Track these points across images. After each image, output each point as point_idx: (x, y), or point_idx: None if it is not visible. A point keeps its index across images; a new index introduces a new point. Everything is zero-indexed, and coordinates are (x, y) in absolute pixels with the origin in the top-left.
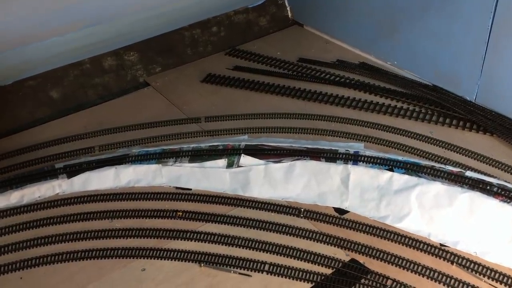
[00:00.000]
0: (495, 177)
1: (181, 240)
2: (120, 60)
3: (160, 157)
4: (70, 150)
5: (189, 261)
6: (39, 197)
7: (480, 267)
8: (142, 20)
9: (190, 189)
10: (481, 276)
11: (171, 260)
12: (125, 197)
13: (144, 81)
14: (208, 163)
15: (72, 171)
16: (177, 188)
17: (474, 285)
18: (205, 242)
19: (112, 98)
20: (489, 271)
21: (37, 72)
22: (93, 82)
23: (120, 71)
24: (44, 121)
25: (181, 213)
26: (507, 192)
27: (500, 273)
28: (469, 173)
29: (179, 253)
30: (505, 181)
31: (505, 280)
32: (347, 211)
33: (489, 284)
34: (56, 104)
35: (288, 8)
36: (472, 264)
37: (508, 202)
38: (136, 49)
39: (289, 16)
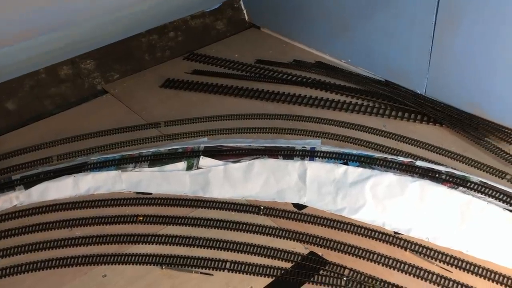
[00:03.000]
0: (443, 165)
1: (142, 244)
2: (76, 69)
3: (120, 163)
4: (27, 161)
5: (150, 264)
6: None
7: (432, 252)
8: (97, 27)
9: (151, 194)
10: (433, 260)
11: (133, 264)
12: (85, 205)
13: (102, 89)
14: (168, 167)
15: (29, 182)
16: (137, 193)
17: (426, 269)
18: (166, 245)
19: (70, 107)
20: (440, 255)
21: None
22: (50, 92)
23: (77, 79)
24: (0, 133)
25: (141, 218)
26: (455, 179)
27: (451, 256)
28: (419, 163)
29: (140, 257)
30: (453, 169)
31: (455, 263)
32: (305, 206)
33: (441, 267)
34: (12, 115)
35: (245, 11)
36: (425, 249)
37: (456, 188)
38: (92, 57)
39: (246, 19)
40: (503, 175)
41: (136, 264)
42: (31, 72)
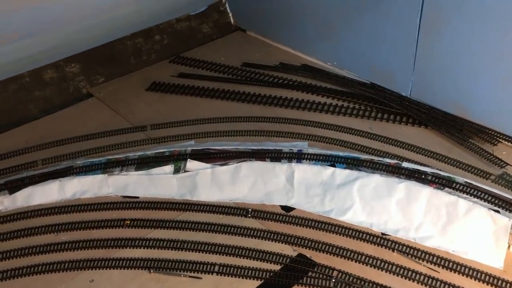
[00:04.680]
0: (429, 166)
1: (129, 248)
2: (61, 72)
3: (106, 167)
4: (11, 166)
5: (138, 269)
6: None
7: (419, 252)
8: (81, 30)
9: (138, 197)
10: (420, 261)
11: (120, 268)
12: (71, 210)
13: (88, 92)
14: (155, 170)
15: (14, 187)
16: (124, 197)
17: (414, 269)
18: (154, 249)
19: (55, 111)
20: (427, 255)
21: None
22: (34, 96)
23: (62, 83)
24: None
25: (129, 222)
26: (441, 180)
27: (438, 257)
28: (405, 164)
29: (127, 261)
30: (439, 170)
31: (442, 263)
32: (293, 208)
33: (428, 267)
34: None
35: (230, 14)
36: (412, 250)
37: (442, 189)
38: (77, 60)
39: (232, 22)
40: (488, 175)
41: (124, 269)
42: (15, 76)
